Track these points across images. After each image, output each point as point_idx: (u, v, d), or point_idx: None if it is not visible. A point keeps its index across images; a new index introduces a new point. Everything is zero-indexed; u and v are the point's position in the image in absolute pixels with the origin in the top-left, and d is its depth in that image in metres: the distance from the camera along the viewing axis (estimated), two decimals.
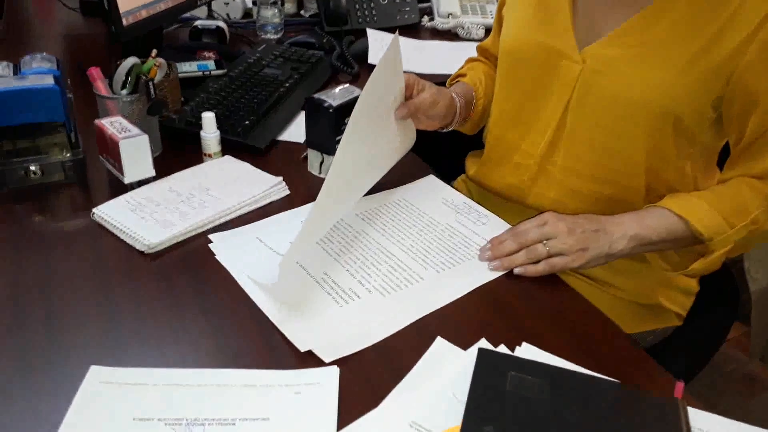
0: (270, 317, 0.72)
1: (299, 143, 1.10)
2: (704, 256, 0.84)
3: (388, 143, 0.94)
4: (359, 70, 1.44)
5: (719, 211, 0.82)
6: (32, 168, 0.91)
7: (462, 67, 1.16)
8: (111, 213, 0.86)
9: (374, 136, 0.88)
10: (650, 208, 0.85)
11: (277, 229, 0.87)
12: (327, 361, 0.66)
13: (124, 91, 0.99)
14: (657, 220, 0.83)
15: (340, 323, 0.72)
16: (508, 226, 0.89)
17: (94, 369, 0.64)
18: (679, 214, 0.82)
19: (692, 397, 0.65)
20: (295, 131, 1.14)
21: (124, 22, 1.06)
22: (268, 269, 0.77)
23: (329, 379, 0.64)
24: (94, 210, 0.87)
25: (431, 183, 1.01)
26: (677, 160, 0.88)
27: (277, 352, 0.68)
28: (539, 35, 0.92)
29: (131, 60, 0.95)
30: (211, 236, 0.84)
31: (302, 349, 0.67)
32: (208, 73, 1.30)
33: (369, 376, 0.66)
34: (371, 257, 0.83)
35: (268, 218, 0.89)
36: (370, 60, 1.47)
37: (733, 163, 0.87)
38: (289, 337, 0.69)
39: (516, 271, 0.80)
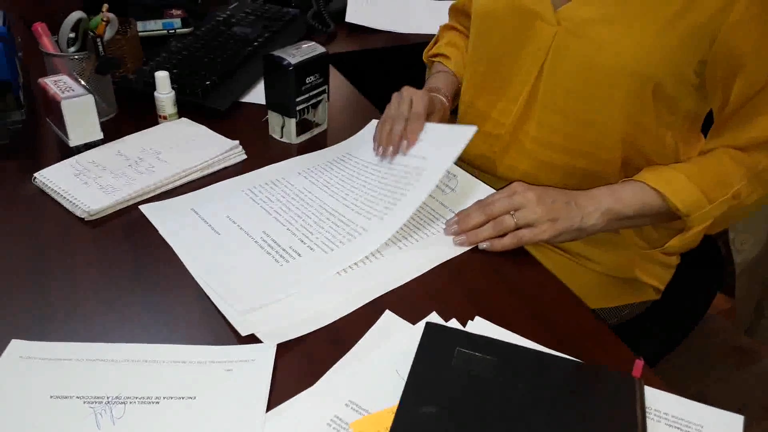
0: (211, 297, 0.67)
1: (264, 105, 1.04)
2: (682, 233, 0.79)
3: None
4: (335, 28, 1.38)
5: (698, 184, 0.76)
6: None
7: (439, 40, 1.08)
8: (53, 178, 0.82)
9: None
10: (626, 181, 0.80)
11: (214, 199, 0.82)
12: (271, 344, 0.61)
13: (73, 49, 0.93)
14: (632, 194, 0.78)
15: (287, 303, 0.67)
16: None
17: (14, 343, 0.60)
18: (655, 187, 0.76)
19: (657, 375, 0.61)
20: (261, 93, 1.08)
21: None
22: (203, 246, 0.73)
23: (264, 355, 0.60)
24: (35, 174, 0.82)
25: (373, 128, 0.94)
26: (657, 130, 0.82)
27: (215, 327, 0.64)
28: None
29: (76, 14, 0.89)
30: (141, 207, 0.79)
31: (243, 333, 0.62)
32: (173, 31, 1.24)
33: (309, 352, 0.62)
34: (313, 214, 0.79)
35: (205, 188, 0.84)
36: (347, 18, 1.40)
37: (716, 133, 0.81)
38: (230, 321, 0.64)
39: (481, 246, 0.75)
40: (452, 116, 1.03)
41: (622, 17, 0.76)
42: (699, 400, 0.58)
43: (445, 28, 1.10)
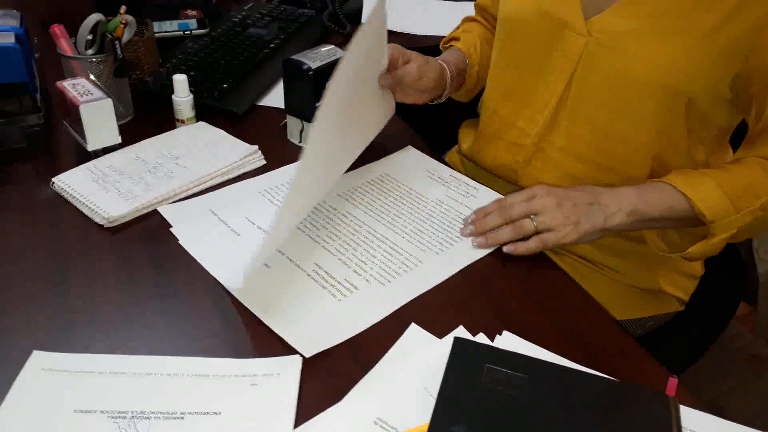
0: (262, 318, 0.64)
1: (281, 108, 1.03)
2: (705, 239, 0.77)
3: (368, 116, 0.86)
4: (352, 30, 1.36)
5: (727, 192, 0.74)
6: None
7: (457, 28, 1.07)
8: (72, 183, 0.81)
9: (354, 107, 0.80)
10: (653, 182, 0.78)
11: (232, 200, 0.81)
12: (296, 357, 0.60)
13: (90, 51, 0.92)
14: (659, 196, 0.76)
15: (340, 320, 0.65)
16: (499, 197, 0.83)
17: (36, 354, 0.59)
18: (682, 191, 0.75)
19: (688, 390, 0.59)
20: (278, 96, 1.07)
21: None
22: (222, 249, 0.72)
23: (290, 369, 0.59)
24: (53, 179, 0.81)
25: (411, 155, 0.94)
26: (688, 146, 0.81)
27: (238, 339, 0.63)
28: (542, 1, 0.83)
29: (94, 17, 0.88)
30: (160, 208, 0.79)
31: (307, 354, 0.61)
32: (189, 32, 1.22)
33: (334, 366, 0.61)
34: (363, 242, 0.76)
35: (223, 188, 0.83)
36: (364, 20, 1.39)
37: (749, 143, 0.79)
38: (292, 344, 0.62)
39: (505, 249, 0.74)
40: (474, 120, 1.01)
41: (656, 30, 0.74)
42: (715, 407, 0.57)
43: (466, 19, 1.09)
